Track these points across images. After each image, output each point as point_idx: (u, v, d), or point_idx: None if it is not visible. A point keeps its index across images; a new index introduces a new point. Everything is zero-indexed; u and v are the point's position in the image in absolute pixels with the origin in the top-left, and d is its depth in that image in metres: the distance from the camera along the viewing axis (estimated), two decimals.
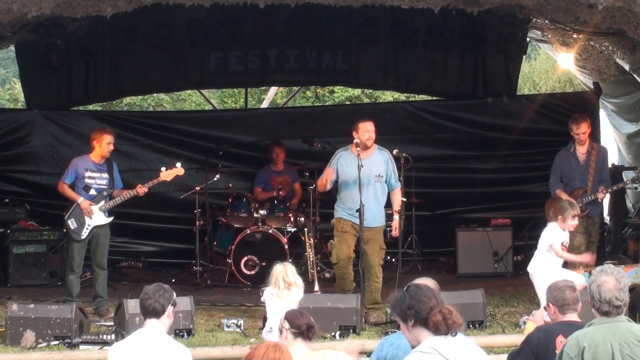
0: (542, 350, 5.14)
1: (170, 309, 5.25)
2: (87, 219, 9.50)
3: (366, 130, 9.05)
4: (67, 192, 9.55)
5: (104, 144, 9.57)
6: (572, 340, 4.61)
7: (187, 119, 14.56)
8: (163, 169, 9.89)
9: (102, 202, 9.59)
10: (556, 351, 5.10)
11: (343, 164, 9.13)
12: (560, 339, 5.13)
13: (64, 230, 9.67)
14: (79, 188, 9.54)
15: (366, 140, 9.03)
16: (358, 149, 8.92)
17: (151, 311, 5.18)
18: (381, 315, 8.96)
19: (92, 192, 9.58)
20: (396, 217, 9.18)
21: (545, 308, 5.69)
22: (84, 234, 9.49)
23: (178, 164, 9.94)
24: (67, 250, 9.83)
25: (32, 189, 12.72)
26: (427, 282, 5.05)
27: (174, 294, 5.35)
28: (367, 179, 8.96)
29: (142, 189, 9.75)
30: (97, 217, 9.56)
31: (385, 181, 9.16)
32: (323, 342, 8.01)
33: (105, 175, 9.66)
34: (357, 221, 8.91)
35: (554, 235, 8.35)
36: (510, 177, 13.27)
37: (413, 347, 4.30)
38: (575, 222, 8.30)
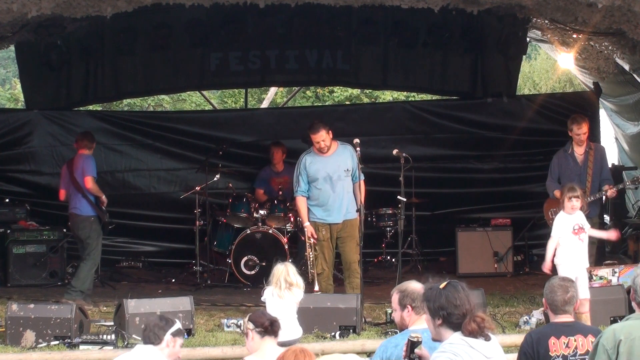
0: (535, 354, 5.13)
1: (168, 338, 5.39)
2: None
3: (317, 141, 9.20)
4: (97, 188, 10.06)
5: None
6: (608, 333, 4.60)
7: (187, 119, 14.56)
8: None
9: None
10: (549, 353, 5.09)
11: (311, 166, 9.25)
12: (552, 341, 5.13)
13: (107, 223, 10.03)
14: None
15: (321, 149, 9.19)
16: (358, 149, 8.97)
17: (147, 341, 5.42)
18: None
19: None
20: (361, 209, 9.17)
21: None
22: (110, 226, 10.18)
23: None
24: (97, 244, 10.01)
25: (32, 189, 12.72)
26: (413, 285, 5.07)
27: (176, 324, 5.47)
28: (338, 175, 9.13)
29: None
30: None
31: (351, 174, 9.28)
32: (323, 342, 8.02)
33: None
34: (330, 220, 9.14)
35: (557, 225, 8.34)
36: (510, 177, 13.27)
37: (434, 339, 4.35)
38: (573, 202, 8.23)
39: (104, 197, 10.00)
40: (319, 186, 9.19)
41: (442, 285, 4.30)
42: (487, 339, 4.16)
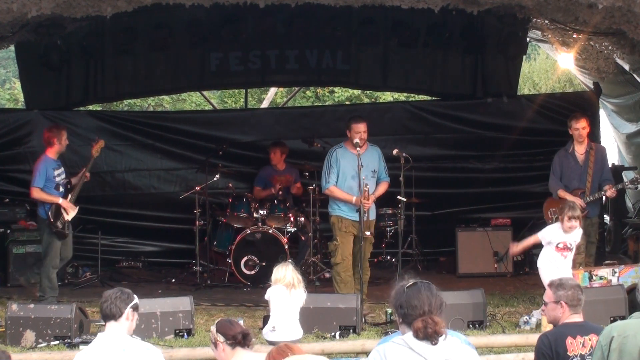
0: (553, 354, 5.13)
1: (128, 311, 5.27)
2: (65, 216, 9.66)
3: (358, 131, 9.13)
4: (45, 196, 9.64)
5: (63, 140, 9.79)
6: (607, 330, 4.65)
7: (187, 119, 14.57)
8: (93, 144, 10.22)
9: (69, 196, 9.80)
10: (568, 353, 5.11)
11: (342, 160, 9.20)
12: (570, 340, 5.14)
13: (53, 231, 9.63)
14: (49, 189, 9.66)
15: (360, 140, 9.10)
16: (359, 149, 8.97)
17: (108, 314, 5.27)
18: (371, 313, 9.04)
19: (61, 189, 9.76)
20: (371, 198, 9.12)
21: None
22: (67, 230, 9.73)
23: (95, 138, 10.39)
24: (48, 249, 9.74)
25: None
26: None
27: (135, 298, 5.35)
28: (365, 174, 9.05)
29: (87, 174, 10.05)
30: (71, 211, 9.76)
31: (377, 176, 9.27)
32: (323, 342, 8.02)
33: (62, 169, 9.86)
34: (354, 217, 9.05)
35: (547, 232, 8.44)
36: (510, 177, 13.28)
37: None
38: (572, 224, 8.28)
39: (60, 201, 9.62)
40: (347, 182, 9.16)
41: (407, 285, 4.32)
42: (434, 342, 4.12)
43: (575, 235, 8.41)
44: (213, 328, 5.29)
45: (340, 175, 9.20)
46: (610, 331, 4.59)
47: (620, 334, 4.52)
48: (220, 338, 5.19)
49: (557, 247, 8.34)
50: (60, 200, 9.62)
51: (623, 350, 4.49)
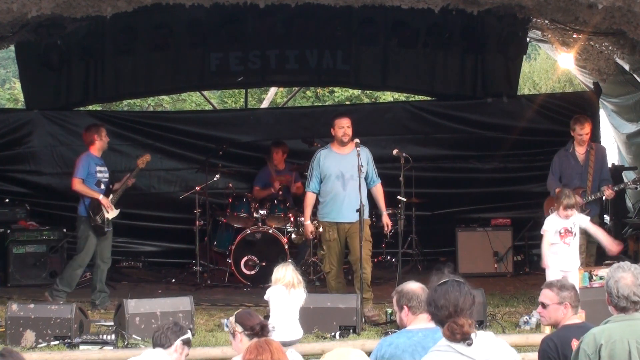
0: (560, 357, 5.11)
1: (177, 343, 5.39)
2: (105, 214, 9.67)
3: (341, 126, 9.11)
4: (86, 189, 9.65)
5: (103, 136, 9.85)
6: (589, 337, 4.56)
7: (187, 119, 14.57)
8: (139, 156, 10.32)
9: (111, 196, 9.80)
10: None
11: (325, 162, 9.17)
12: (575, 343, 5.13)
13: (92, 225, 9.64)
14: (90, 184, 9.67)
15: (341, 137, 9.10)
16: (359, 148, 8.94)
17: (157, 342, 5.42)
18: (380, 314, 9.01)
19: (102, 187, 9.78)
20: (384, 212, 9.22)
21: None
22: (107, 227, 9.74)
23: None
24: (83, 245, 9.74)
25: (32, 189, 12.72)
26: (410, 285, 5.09)
27: (188, 333, 5.48)
28: (351, 174, 8.98)
29: (131, 180, 10.05)
30: (112, 211, 9.77)
31: (366, 177, 9.11)
32: (323, 342, 8.02)
33: (106, 168, 9.89)
34: (340, 219, 9.04)
35: (547, 224, 8.43)
36: (510, 177, 13.28)
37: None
38: (568, 212, 8.28)
39: (100, 197, 9.64)
40: (330, 183, 9.10)
41: (438, 283, 4.31)
42: (468, 343, 4.10)
43: (571, 220, 8.38)
44: (232, 318, 5.37)
45: (325, 176, 9.17)
46: (595, 339, 4.51)
47: (607, 340, 4.47)
48: (239, 328, 5.26)
49: (561, 235, 8.32)
50: (101, 197, 9.64)
51: (613, 356, 4.44)
